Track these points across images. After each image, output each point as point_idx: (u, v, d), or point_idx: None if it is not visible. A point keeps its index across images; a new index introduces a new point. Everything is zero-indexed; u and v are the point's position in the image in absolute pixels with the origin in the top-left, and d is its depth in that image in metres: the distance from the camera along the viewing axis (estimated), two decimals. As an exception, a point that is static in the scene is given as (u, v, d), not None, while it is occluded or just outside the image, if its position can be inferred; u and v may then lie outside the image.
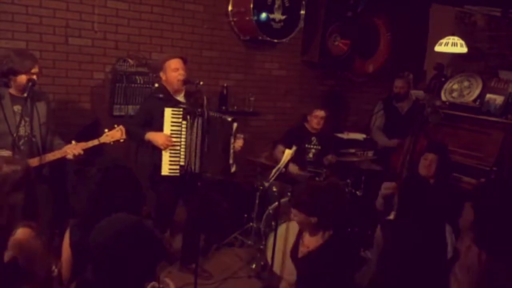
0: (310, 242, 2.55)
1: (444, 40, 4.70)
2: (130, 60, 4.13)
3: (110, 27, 4.14)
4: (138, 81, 4.07)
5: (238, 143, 3.55)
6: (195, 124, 3.43)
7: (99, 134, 3.17)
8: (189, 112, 3.44)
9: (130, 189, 2.24)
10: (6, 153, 2.84)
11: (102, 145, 3.17)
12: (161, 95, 3.53)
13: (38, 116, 3.05)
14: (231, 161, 3.48)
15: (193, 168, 3.44)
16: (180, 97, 3.60)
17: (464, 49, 4.69)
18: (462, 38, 4.71)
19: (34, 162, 2.94)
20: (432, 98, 4.61)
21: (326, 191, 2.51)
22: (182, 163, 3.45)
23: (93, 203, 2.22)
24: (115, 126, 3.19)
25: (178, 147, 3.44)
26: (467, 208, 2.41)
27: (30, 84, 2.92)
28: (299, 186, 2.93)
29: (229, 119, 3.46)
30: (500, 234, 2.21)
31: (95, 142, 3.12)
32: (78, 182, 3.70)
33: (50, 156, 3.03)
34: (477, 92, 4.92)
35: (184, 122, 3.43)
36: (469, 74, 5.10)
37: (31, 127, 3.03)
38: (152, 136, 3.43)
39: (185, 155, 3.44)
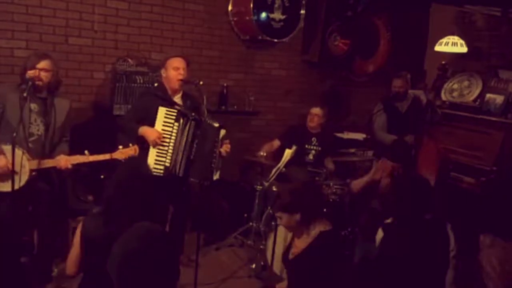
0: (300, 243, 2.63)
1: (444, 40, 4.69)
2: (130, 60, 4.13)
3: (110, 27, 4.14)
4: (138, 81, 4.07)
5: (225, 148, 3.52)
6: (187, 128, 3.40)
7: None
8: (183, 115, 3.40)
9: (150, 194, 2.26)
10: (18, 149, 2.81)
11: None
12: (159, 93, 3.50)
13: (55, 119, 3.06)
14: (213, 166, 3.42)
15: (177, 171, 3.41)
16: (177, 98, 3.55)
17: (464, 49, 4.69)
18: (462, 38, 4.71)
19: (32, 165, 2.93)
20: (435, 98, 4.62)
21: (300, 189, 2.67)
22: (167, 164, 3.39)
23: (114, 199, 2.18)
24: (130, 145, 3.17)
25: (167, 148, 3.38)
26: None
27: (30, 82, 2.87)
28: (279, 191, 3.10)
29: (216, 125, 3.40)
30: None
31: (107, 156, 3.06)
32: (84, 186, 3.67)
33: (45, 163, 2.97)
34: (477, 92, 4.93)
35: (176, 124, 3.39)
36: (469, 74, 5.11)
37: (46, 128, 3.04)
38: (145, 130, 3.36)
39: (172, 157, 3.40)
